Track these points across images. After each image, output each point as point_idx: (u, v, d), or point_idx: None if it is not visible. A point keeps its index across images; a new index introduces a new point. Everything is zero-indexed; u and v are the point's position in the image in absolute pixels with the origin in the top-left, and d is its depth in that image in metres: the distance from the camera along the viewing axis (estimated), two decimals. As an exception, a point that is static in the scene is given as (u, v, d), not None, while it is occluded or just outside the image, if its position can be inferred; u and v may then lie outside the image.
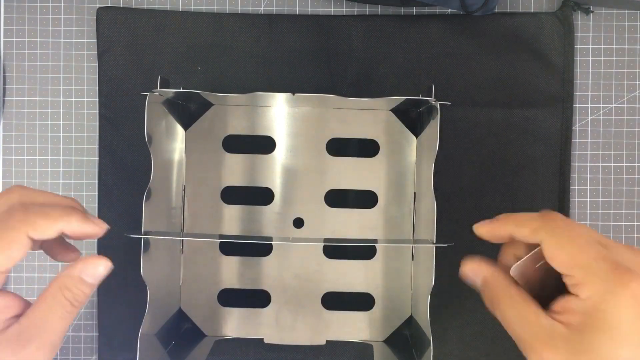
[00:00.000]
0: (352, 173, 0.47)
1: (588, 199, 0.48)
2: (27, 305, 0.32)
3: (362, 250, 0.48)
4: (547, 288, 0.31)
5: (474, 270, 0.32)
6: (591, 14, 0.48)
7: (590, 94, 0.48)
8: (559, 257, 0.29)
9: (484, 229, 0.32)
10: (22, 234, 0.30)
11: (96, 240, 0.47)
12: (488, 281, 0.32)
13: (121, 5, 0.49)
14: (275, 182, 0.47)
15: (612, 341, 0.27)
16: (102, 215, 0.47)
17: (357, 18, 0.48)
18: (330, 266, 0.48)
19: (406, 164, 0.47)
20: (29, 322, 0.31)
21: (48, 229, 0.31)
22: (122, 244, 0.42)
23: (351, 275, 0.48)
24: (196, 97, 0.45)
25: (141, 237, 0.40)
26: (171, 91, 0.41)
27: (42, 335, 0.31)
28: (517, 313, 0.30)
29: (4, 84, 0.48)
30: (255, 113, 0.48)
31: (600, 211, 0.48)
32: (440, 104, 0.40)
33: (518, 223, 0.31)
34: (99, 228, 0.33)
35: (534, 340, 0.28)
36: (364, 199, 0.48)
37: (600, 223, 0.48)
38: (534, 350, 0.28)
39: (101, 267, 0.32)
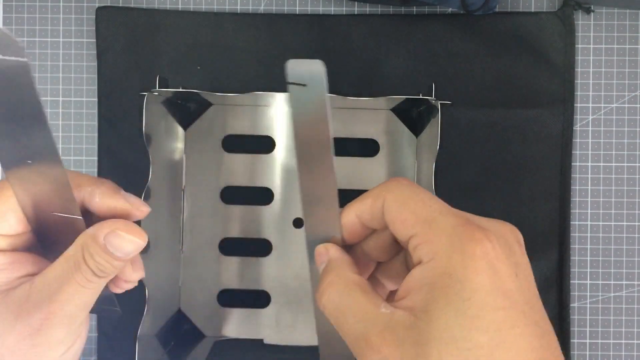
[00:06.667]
0: (352, 173, 0.47)
1: (589, 199, 0.48)
2: (47, 265, 0.26)
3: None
4: None
5: (321, 253, 0.27)
6: (592, 14, 0.48)
7: (591, 93, 0.48)
8: (400, 216, 0.23)
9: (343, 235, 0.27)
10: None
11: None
12: (329, 264, 0.26)
13: (120, 5, 0.48)
14: (275, 182, 0.47)
15: (465, 321, 0.20)
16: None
17: (357, 17, 0.48)
18: (331, 266, 0.47)
19: (406, 163, 0.47)
20: (42, 284, 0.25)
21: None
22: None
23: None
24: (195, 96, 0.45)
25: None
26: (170, 91, 0.41)
27: (54, 301, 0.25)
28: (351, 302, 0.23)
29: (3, 83, 0.48)
30: (254, 113, 0.47)
31: (601, 211, 0.48)
32: (440, 103, 0.39)
33: (360, 198, 0.26)
34: (133, 207, 0.27)
35: (371, 333, 0.22)
36: (364, 199, 0.47)
37: (601, 223, 0.48)
38: (370, 345, 0.22)
39: (130, 245, 0.26)
